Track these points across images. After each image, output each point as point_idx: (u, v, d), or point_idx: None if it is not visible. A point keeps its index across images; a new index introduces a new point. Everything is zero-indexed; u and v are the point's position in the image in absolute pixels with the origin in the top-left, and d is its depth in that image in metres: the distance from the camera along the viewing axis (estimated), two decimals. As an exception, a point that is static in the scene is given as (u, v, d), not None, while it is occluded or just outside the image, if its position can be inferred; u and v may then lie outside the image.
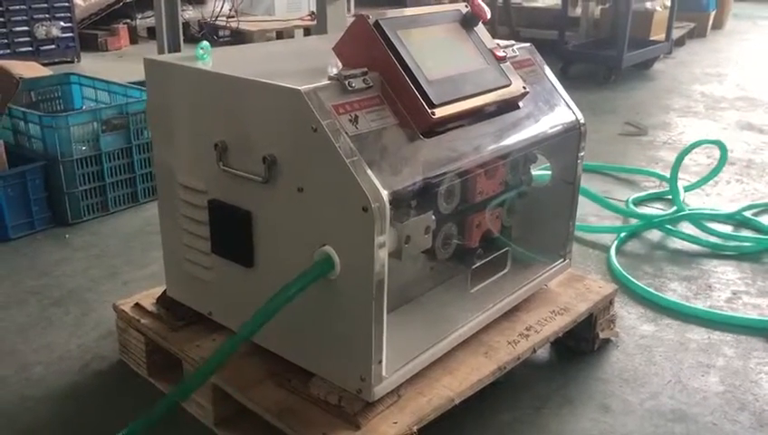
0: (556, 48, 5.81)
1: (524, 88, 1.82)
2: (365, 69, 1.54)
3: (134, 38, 7.11)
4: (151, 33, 7.08)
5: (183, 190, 1.77)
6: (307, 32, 7.23)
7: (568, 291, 2.11)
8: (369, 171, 1.41)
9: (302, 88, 1.43)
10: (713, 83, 5.77)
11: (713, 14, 8.06)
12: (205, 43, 1.74)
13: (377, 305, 1.46)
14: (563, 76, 5.55)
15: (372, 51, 1.56)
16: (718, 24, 8.35)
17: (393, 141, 1.52)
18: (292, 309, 1.60)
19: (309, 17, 7.53)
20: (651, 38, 6.41)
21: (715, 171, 3.36)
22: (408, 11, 1.73)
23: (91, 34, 6.74)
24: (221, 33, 7.06)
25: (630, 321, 2.32)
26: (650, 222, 3.00)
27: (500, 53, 1.82)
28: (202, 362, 1.74)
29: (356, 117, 1.47)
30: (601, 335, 2.13)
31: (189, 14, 7.13)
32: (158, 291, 2.01)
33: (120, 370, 2.02)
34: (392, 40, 1.57)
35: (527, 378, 1.99)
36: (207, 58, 1.73)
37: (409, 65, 1.56)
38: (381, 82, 1.56)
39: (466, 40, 1.77)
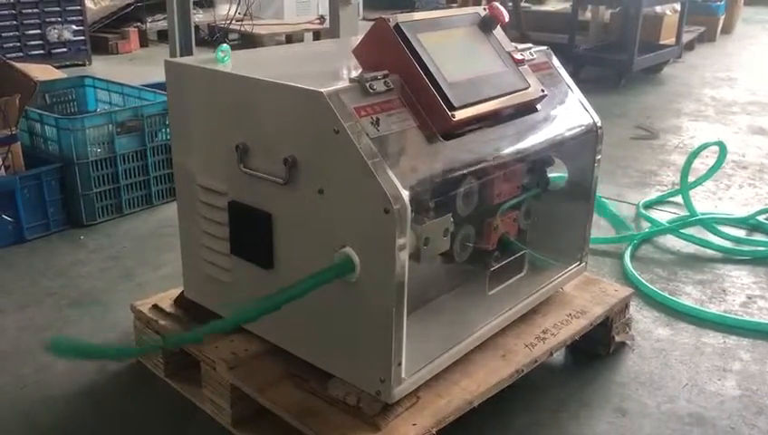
0: (566, 52, 5.80)
1: (542, 91, 1.83)
2: (386, 71, 1.55)
3: (144, 41, 7.14)
4: (161, 36, 7.12)
5: (203, 192, 1.78)
6: (316, 35, 7.25)
7: (584, 294, 2.11)
8: (390, 173, 1.42)
9: (324, 90, 1.44)
10: (723, 87, 5.76)
11: (722, 18, 8.05)
12: (225, 45, 1.75)
13: (397, 307, 1.46)
14: (573, 80, 5.55)
15: (393, 53, 1.57)
16: (728, 29, 8.34)
17: (413, 143, 1.52)
18: (311, 310, 1.61)
19: (318, 21, 7.55)
20: (661, 42, 6.41)
21: (713, 170, 3.33)
22: (427, 14, 1.74)
23: (101, 38, 6.77)
24: (230, 36, 7.09)
25: (645, 324, 2.31)
26: (663, 227, 2.99)
27: (518, 56, 1.82)
28: (217, 361, 1.75)
29: (377, 119, 1.48)
30: (617, 339, 2.13)
31: (199, 17, 7.16)
32: (175, 292, 2.02)
33: (138, 370, 2.03)
34: (412, 43, 1.57)
35: (544, 381, 1.99)
36: (228, 60, 1.74)
37: (429, 68, 1.56)
38: (401, 84, 1.57)
39: (485, 43, 1.78)
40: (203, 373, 1.82)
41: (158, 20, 7.13)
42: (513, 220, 1.90)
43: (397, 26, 1.58)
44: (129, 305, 2.06)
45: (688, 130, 4.59)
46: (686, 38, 6.73)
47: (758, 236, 2.98)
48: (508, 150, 1.74)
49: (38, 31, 5.89)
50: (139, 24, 7.18)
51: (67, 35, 6.00)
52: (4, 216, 2.78)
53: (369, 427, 1.54)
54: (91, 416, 1.86)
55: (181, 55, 3.86)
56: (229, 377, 1.72)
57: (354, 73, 1.55)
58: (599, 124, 2.01)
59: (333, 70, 1.73)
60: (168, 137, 2.87)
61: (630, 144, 4.25)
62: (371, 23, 1.63)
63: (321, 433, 1.53)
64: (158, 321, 1.94)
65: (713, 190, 3.46)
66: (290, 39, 7.02)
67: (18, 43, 5.79)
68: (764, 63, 6.82)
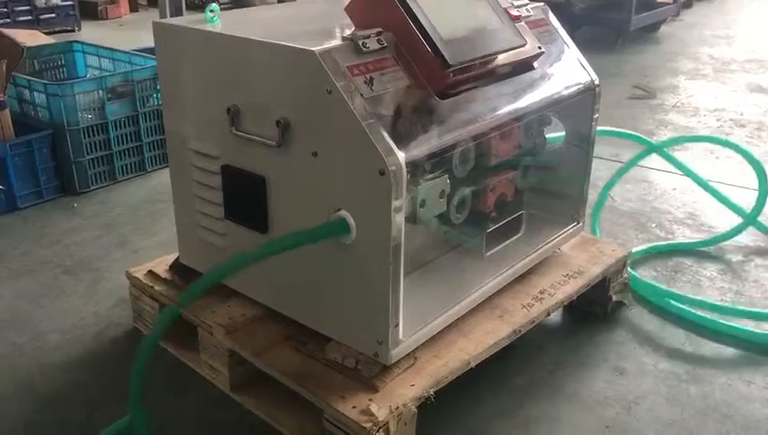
0: (563, 11, 5.71)
1: (539, 48, 1.79)
2: (379, 29, 1.51)
3: (134, 6, 7.03)
4: (152, 0, 6.99)
5: (195, 156, 1.75)
6: (309, -3, 7.13)
7: (581, 254, 2.10)
8: (384, 134, 1.39)
9: (317, 49, 1.41)
10: (721, 45, 5.69)
11: (721, -25, 7.92)
12: (214, 5, 1.71)
13: (393, 269, 1.45)
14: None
15: (386, 11, 1.53)
16: (726, -14, 8.21)
17: (408, 103, 1.49)
18: (309, 274, 1.60)
19: (311, -18, 7.42)
20: (659, 0, 6.32)
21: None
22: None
23: (91, 3, 6.65)
24: (222, -1, 6.97)
25: (643, 284, 2.31)
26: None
27: (514, 13, 1.78)
28: (215, 326, 1.74)
29: (371, 78, 1.45)
30: (614, 298, 2.13)
31: (189, -20, 7.03)
32: (171, 258, 2.01)
33: (135, 336, 2.03)
34: (406, -1, 1.54)
35: (541, 341, 2.00)
36: (217, 20, 1.70)
37: (424, 25, 1.53)
38: (395, 42, 1.53)
39: (480, -1, 1.74)
40: (200, 338, 1.81)
41: (148, -16, 7.01)
42: (510, 181, 1.89)
43: (390, -18, 1.54)
44: (124, 272, 2.05)
45: (686, 89, 4.54)
46: (684, -4, 6.65)
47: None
48: (505, 109, 1.71)
49: (25, -4, 5.78)
50: (128, -12, 7.05)
51: (55, 1, 5.89)
52: (-5, 184, 2.75)
53: (368, 389, 1.54)
54: (89, 383, 1.86)
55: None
56: (227, 341, 1.72)
57: (347, 32, 1.51)
58: (596, 82, 1.98)
59: (326, 29, 1.69)
60: (160, 102, 2.83)
61: (628, 104, 4.21)
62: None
63: (320, 396, 1.53)
64: (153, 287, 1.93)
65: (710, 149, 3.42)
66: (282, 0, 6.90)
67: (5, 9, 5.69)
68: (763, 21, 6.74)
